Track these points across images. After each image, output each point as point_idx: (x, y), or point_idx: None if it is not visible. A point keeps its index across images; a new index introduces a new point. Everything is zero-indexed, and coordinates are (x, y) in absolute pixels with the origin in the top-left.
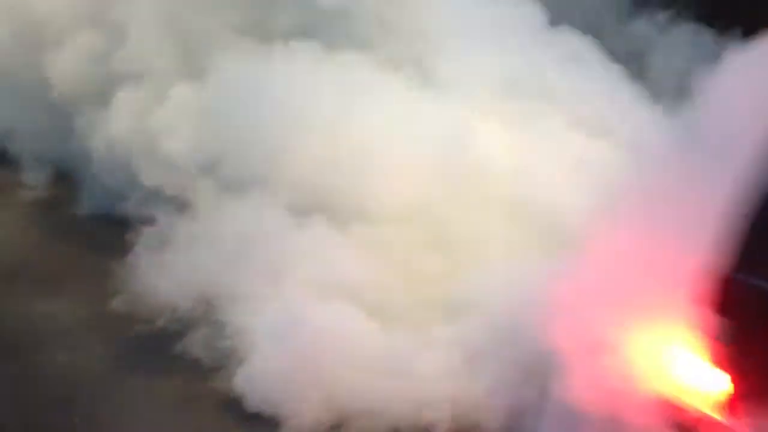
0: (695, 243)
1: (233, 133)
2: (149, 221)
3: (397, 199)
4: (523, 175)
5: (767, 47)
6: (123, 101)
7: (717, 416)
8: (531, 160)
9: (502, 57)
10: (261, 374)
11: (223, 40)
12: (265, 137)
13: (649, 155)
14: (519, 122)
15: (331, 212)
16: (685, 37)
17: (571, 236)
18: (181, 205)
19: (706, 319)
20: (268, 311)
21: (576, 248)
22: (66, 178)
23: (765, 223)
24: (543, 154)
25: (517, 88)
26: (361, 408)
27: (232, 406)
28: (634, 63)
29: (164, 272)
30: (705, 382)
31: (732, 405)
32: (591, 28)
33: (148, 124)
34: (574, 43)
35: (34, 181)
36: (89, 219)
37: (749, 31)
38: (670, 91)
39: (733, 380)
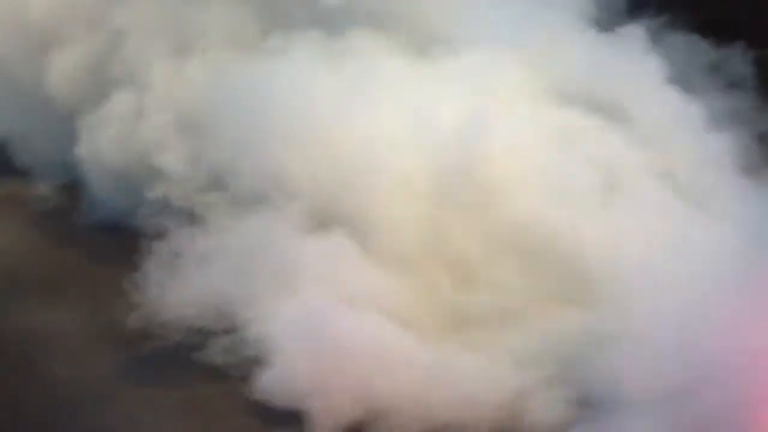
0: None
1: (235, 143)
2: (158, 232)
3: (410, 209)
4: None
5: None
6: (118, 109)
7: None
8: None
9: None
10: (286, 375)
11: (222, 39)
12: (270, 147)
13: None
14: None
15: (346, 222)
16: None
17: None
18: (191, 216)
19: None
20: (290, 313)
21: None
22: (73, 187)
23: None
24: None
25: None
26: (389, 407)
27: (255, 409)
28: None
29: (174, 284)
30: None
31: None
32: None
33: (142, 134)
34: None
35: (41, 190)
36: (96, 229)
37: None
38: None
39: None
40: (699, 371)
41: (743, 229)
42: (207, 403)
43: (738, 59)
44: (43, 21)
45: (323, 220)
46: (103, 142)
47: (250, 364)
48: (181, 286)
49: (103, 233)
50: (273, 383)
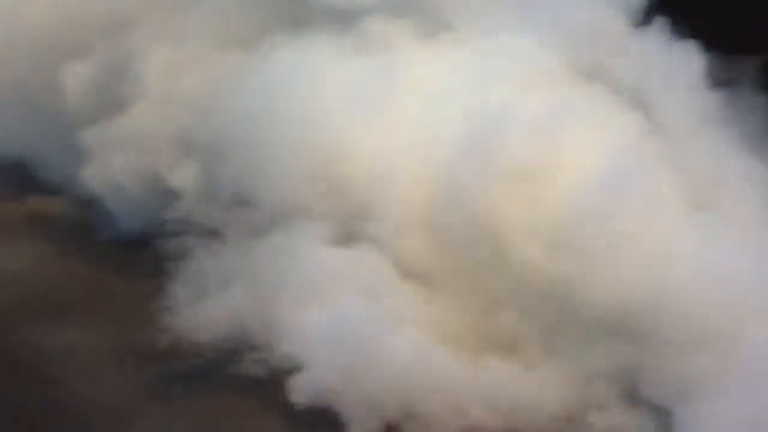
0: None
1: (251, 157)
2: (180, 249)
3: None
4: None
5: None
6: (128, 126)
7: None
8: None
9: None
10: (320, 378)
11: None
12: (287, 161)
13: None
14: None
15: (371, 236)
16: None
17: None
18: (213, 233)
19: None
20: (323, 321)
21: None
22: (93, 204)
23: None
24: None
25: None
26: (422, 410)
27: (287, 421)
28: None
29: (199, 300)
30: None
31: None
32: None
33: (153, 152)
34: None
35: (61, 207)
36: (116, 246)
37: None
38: None
39: None
40: None
41: None
42: (236, 415)
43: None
44: (56, 36)
45: (348, 233)
46: (115, 161)
47: (282, 375)
48: (206, 302)
49: (124, 250)
50: (307, 386)
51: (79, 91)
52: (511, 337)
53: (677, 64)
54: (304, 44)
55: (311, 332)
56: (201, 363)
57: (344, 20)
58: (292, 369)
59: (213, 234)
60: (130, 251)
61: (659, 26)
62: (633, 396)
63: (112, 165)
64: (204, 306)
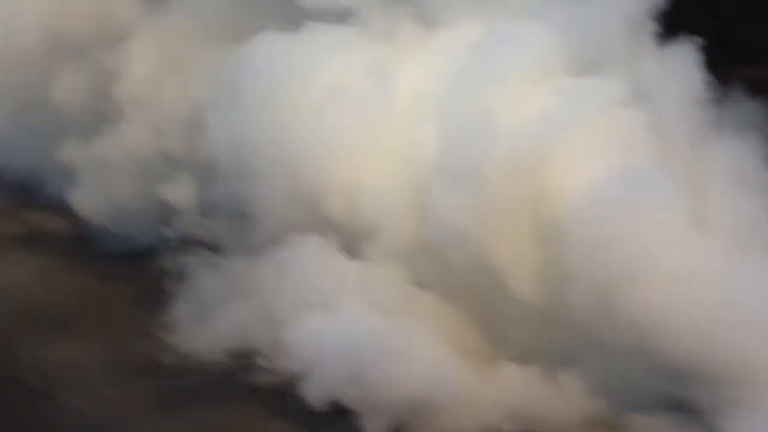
0: None
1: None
2: (180, 265)
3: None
4: None
5: None
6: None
7: None
8: None
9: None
10: (331, 380)
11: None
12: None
13: None
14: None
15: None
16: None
17: None
18: (212, 248)
19: None
20: (332, 326)
21: None
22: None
23: None
24: None
25: None
26: (433, 410)
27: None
28: None
29: (200, 317)
30: None
31: None
32: None
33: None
34: None
35: (61, 222)
36: (116, 262)
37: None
38: None
39: None
40: None
41: None
42: (246, 423)
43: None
44: (49, 47)
45: (354, 242)
46: (110, 178)
47: (291, 382)
48: (210, 317)
49: (124, 265)
50: (320, 391)
51: (72, 106)
52: (526, 349)
53: (677, 73)
54: (294, 43)
55: (323, 338)
56: (207, 377)
57: (337, 17)
58: (302, 376)
59: (213, 249)
60: (130, 267)
61: (663, 33)
62: (652, 405)
63: (107, 182)
64: (208, 321)
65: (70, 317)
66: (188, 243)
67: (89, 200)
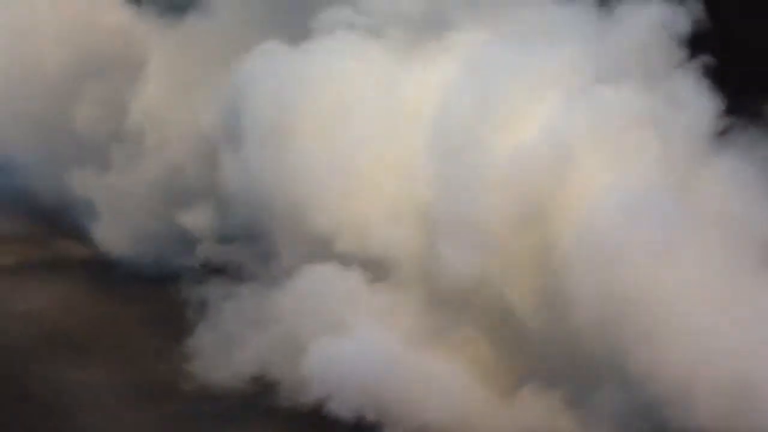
0: None
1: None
2: (200, 292)
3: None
4: None
5: None
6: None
7: None
8: None
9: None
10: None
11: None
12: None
13: None
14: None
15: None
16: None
17: None
18: (233, 274)
19: None
20: (350, 349)
21: None
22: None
23: None
24: None
25: None
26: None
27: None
28: None
29: (214, 345)
30: None
31: None
32: None
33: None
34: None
35: (86, 249)
36: (138, 288)
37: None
38: None
39: None
40: None
41: None
42: None
43: None
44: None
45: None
46: (130, 208)
47: (312, 406)
48: (231, 344)
49: (145, 292)
50: (338, 409)
51: (93, 131)
52: (548, 375)
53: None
54: (302, 58)
55: (342, 363)
56: (226, 402)
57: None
58: (324, 398)
59: (232, 275)
60: (151, 293)
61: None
62: None
63: (128, 211)
64: (227, 347)
65: (91, 342)
66: (208, 270)
67: (110, 230)
